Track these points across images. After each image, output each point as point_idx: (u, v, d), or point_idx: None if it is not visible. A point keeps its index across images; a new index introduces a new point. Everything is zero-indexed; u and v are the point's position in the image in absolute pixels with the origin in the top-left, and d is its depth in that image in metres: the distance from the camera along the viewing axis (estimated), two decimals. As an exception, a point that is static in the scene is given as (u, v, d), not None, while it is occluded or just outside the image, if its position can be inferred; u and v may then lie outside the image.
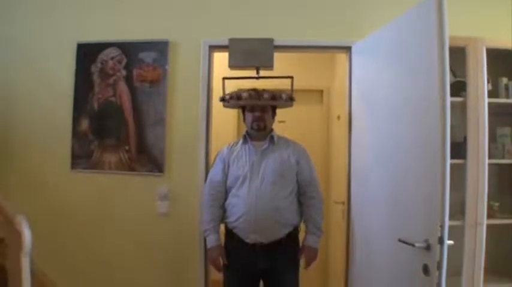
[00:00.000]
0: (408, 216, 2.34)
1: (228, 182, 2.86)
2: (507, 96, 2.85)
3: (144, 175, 3.24)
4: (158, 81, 3.25)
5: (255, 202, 2.71)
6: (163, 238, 3.23)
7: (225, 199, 2.88)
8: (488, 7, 3.14)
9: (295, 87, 3.14)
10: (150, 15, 3.33)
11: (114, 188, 3.27)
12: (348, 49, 3.21)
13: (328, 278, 4.66)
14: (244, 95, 2.85)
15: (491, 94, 2.73)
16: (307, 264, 2.88)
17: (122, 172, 3.25)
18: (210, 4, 3.32)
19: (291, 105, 3.01)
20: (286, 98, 2.91)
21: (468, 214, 2.61)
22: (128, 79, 3.27)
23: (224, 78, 3.15)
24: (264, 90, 2.87)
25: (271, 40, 3.20)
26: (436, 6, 2.10)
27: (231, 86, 3.17)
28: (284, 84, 3.16)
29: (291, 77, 3.14)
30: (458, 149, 2.59)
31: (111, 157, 3.26)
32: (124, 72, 3.27)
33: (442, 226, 2.03)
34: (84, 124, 3.29)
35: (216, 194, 2.88)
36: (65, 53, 3.33)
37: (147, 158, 3.23)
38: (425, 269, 2.10)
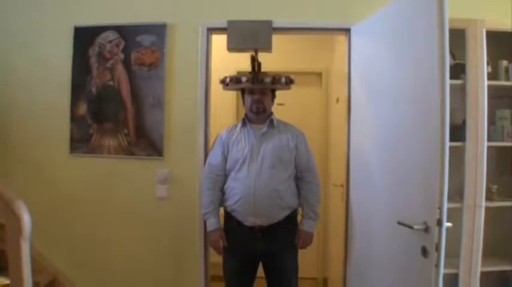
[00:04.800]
0: (407, 198, 2.35)
1: (227, 166, 2.87)
2: (507, 79, 2.83)
3: (144, 159, 3.24)
4: (156, 65, 3.22)
5: (253, 185, 2.72)
6: (163, 222, 3.24)
7: (224, 182, 2.89)
8: (488, -11, 3.11)
9: (293, 69, 3.12)
10: (147, -3, 3.30)
11: (114, 173, 3.28)
12: (347, 31, 3.19)
13: (327, 260, 4.69)
14: (244, 78, 2.84)
15: (490, 77, 2.72)
16: (302, 247, 2.90)
17: (121, 156, 3.25)
18: (207, -14, 3.29)
19: (290, 88, 3.01)
20: (286, 81, 2.90)
21: (467, 196, 2.62)
22: (126, 63, 3.24)
23: (253, 56, 3.00)
24: (264, 73, 2.86)
25: (269, 22, 3.17)
26: (436, -12, 2.08)
27: (231, 69, 3.14)
28: (283, 67, 3.14)
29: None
30: (458, 131, 2.60)
31: (110, 141, 3.25)
32: (122, 56, 3.25)
33: (440, 208, 2.04)
34: (83, 108, 3.28)
35: (215, 178, 2.89)
36: (62, 37, 3.30)
37: (146, 142, 3.23)
38: (424, 251, 2.11)
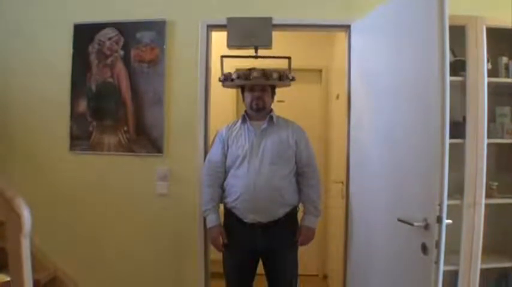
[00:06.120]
0: (407, 195, 2.35)
1: (227, 162, 2.87)
2: (507, 76, 2.83)
3: (143, 156, 3.24)
4: (156, 62, 3.22)
5: (253, 182, 2.72)
6: (163, 218, 3.24)
7: (224, 179, 2.89)
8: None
9: (293, 66, 3.12)
10: (146, -6, 3.29)
11: (114, 170, 3.27)
12: (347, 28, 3.18)
13: (328, 257, 4.70)
14: (254, 74, 2.84)
15: (490, 73, 2.70)
16: (303, 243, 2.90)
17: (121, 153, 3.25)
18: (207, -18, 3.28)
19: (289, 85, 3.01)
20: (291, 78, 2.93)
21: (467, 193, 2.61)
22: (126, 59, 3.24)
23: (222, 57, 3.11)
24: (264, 70, 2.87)
25: (269, 19, 3.16)
26: (436, -15, 2.07)
27: (228, 66, 3.14)
28: (279, 64, 3.13)
29: (289, 58, 3.12)
30: (458, 128, 2.59)
31: (110, 138, 3.25)
32: (121, 53, 3.24)
33: (440, 205, 2.04)
34: (82, 105, 3.27)
35: (215, 175, 2.89)
36: (61, 34, 3.29)
37: (146, 139, 3.23)
38: (424, 248, 2.11)
